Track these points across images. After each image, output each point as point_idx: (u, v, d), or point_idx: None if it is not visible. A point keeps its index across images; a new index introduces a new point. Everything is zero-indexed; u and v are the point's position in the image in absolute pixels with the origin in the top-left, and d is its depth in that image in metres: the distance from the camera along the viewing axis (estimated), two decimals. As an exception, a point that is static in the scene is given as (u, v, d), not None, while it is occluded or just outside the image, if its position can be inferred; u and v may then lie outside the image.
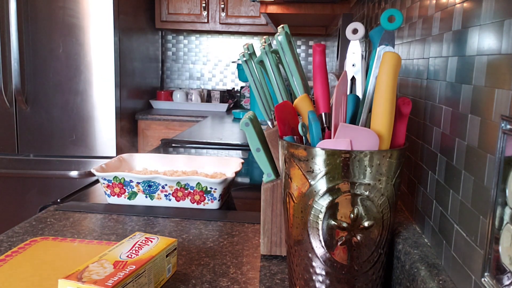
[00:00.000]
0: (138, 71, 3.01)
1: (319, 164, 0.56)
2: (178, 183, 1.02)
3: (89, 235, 0.87)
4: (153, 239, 0.70)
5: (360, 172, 0.55)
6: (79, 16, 2.54)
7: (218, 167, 1.20)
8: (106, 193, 1.05)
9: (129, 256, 0.64)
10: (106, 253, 0.65)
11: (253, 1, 1.89)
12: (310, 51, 3.44)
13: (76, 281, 0.57)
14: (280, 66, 0.76)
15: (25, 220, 0.94)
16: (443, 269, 0.54)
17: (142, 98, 3.14)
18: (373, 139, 0.55)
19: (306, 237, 0.60)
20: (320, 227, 0.58)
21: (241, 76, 3.04)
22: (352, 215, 0.57)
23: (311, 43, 3.44)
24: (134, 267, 0.61)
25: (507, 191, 0.39)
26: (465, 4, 0.52)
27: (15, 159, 2.60)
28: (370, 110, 0.59)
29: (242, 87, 3.44)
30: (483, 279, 0.42)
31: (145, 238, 0.70)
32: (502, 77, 0.41)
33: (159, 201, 1.04)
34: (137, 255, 0.64)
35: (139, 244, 0.68)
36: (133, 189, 1.03)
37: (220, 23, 3.17)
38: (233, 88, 3.53)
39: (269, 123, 0.82)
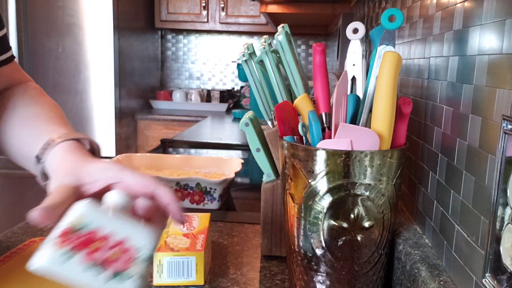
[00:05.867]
0: (137, 71, 3.01)
1: (320, 164, 0.56)
2: (178, 183, 1.01)
3: (89, 235, 0.87)
4: (191, 215, 0.76)
5: (360, 172, 0.55)
6: (78, 15, 2.54)
7: (218, 167, 1.19)
8: (105, 193, 1.05)
9: (189, 229, 0.70)
10: (166, 232, 0.69)
11: (253, 1, 1.89)
12: (310, 51, 3.43)
13: (171, 251, 0.63)
14: (280, 66, 0.76)
15: (24, 220, 0.93)
16: (444, 269, 0.54)
17: (142, 98, 3.14)
18: (373, 139, 0.55)
19: (307, 238, 0.60)
20: (320, 228, 0.58)
21: (241, 76, 3.04)
22: (352, 216, 0.57)
23: (311, 43, 3.44)
24: (204, 235, 0.67)
25: (508, 191, 0.39)
26: (466, 4, 0.52)
27: (15, 159, 2.60)
28: (370, 110, 0.59)
29: (242, 87, 3.44)
30: (484, 279, 0.42)
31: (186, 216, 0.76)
32: (503, 77, 0.41)
33: (159, 201, 1.03)
34: (194, 228, 0.70)
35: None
36: (132, 189, 1.03)
37: (220, 23, 3.16)
38: (233, 88, 3.53)
39: (269, 123, 0.82)
